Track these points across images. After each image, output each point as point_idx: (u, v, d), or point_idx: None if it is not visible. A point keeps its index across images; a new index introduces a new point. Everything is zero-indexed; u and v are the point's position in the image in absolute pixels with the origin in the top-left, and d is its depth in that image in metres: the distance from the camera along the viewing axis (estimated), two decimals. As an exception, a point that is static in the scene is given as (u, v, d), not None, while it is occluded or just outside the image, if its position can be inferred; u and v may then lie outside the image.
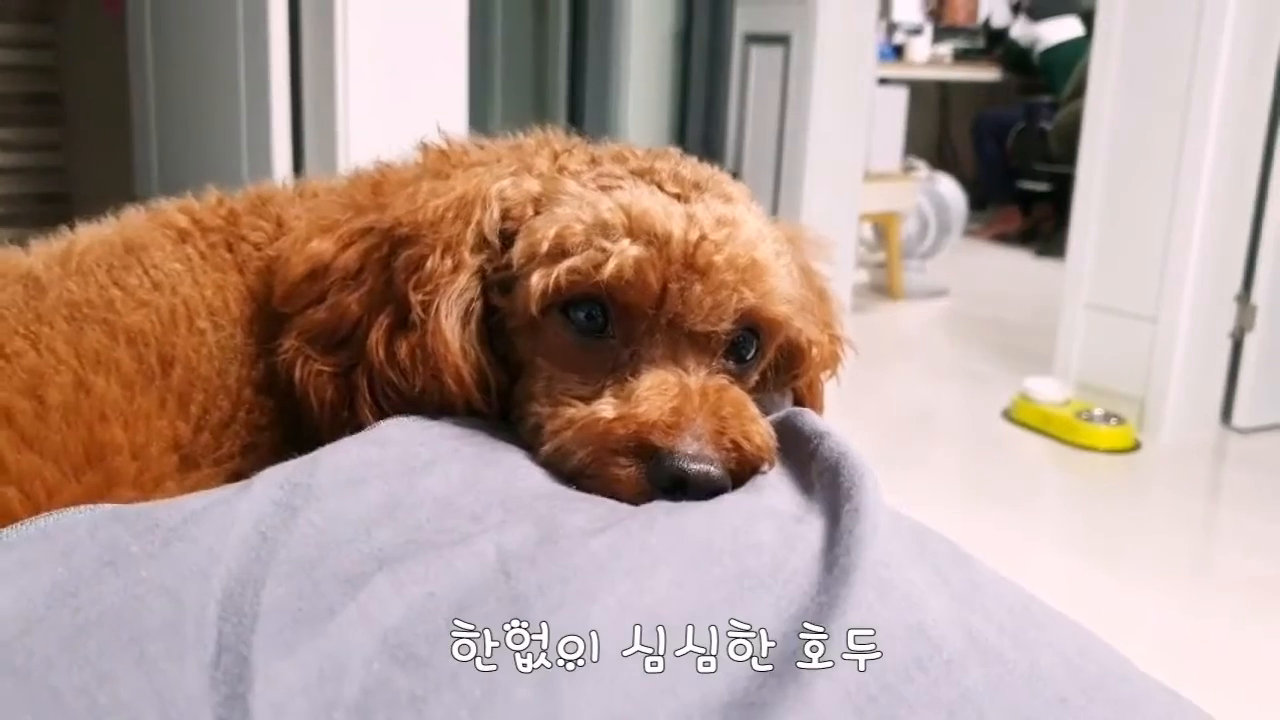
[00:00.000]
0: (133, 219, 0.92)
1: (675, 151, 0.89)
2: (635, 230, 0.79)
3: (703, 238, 0.79)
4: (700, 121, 5.07)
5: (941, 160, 7.63)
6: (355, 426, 0.79)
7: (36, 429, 0.75)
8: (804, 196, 4.63)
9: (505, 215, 0.83)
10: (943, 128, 8.44)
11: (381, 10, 3.03)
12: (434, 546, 0.58)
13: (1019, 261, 6.86)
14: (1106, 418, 3.60)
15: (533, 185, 0.84)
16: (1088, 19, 6.78)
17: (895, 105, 5.36)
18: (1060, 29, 7.11)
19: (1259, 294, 3.66)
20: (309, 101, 3.22)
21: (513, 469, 0.72)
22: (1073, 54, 6.74)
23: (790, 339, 0.88)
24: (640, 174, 0.84)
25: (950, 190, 5.71)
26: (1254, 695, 2.19)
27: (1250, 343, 3.71)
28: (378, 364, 0.80)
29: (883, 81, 5.58)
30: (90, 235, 0.90)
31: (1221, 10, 3.41)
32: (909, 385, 4.35)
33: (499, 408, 0.84)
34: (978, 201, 7.00)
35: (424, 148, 0.94)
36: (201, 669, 0.50)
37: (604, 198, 0.81)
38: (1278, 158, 3.58)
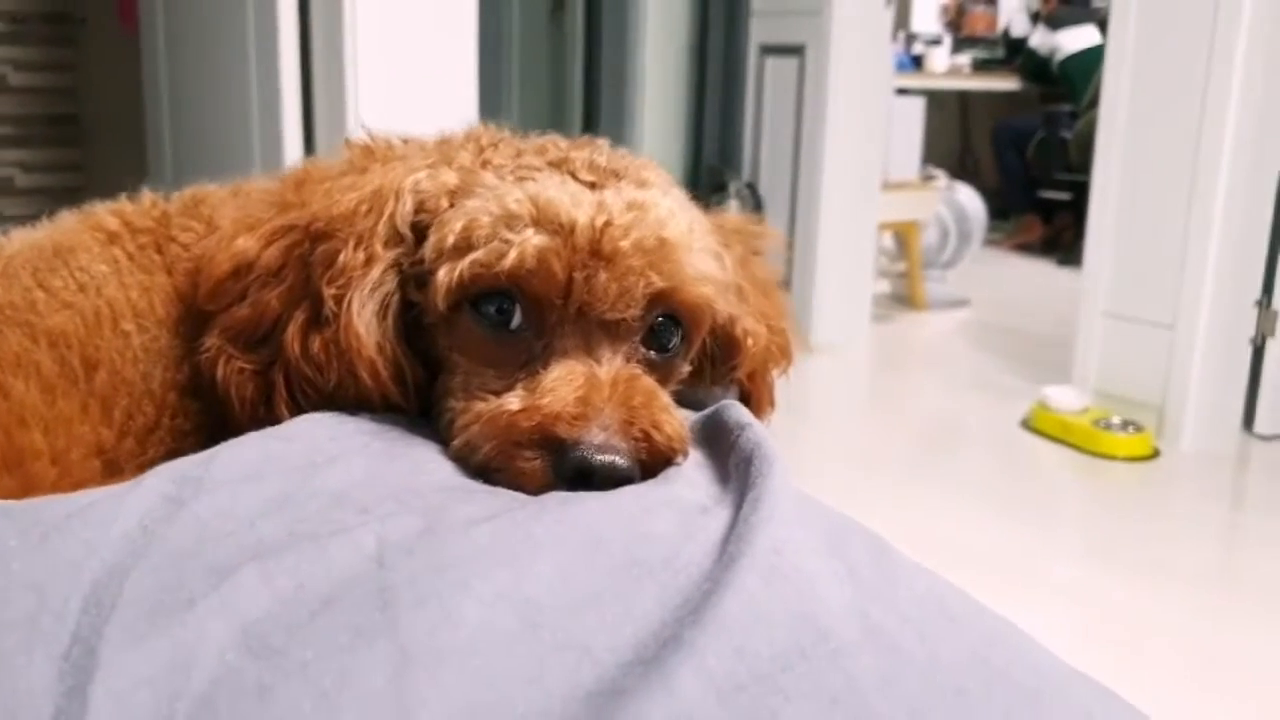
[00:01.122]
0: (65, 222, 0.92)
1: (602, 141, 0.88)
2: (541, 220, 0.78)
3: (609, 223, 0.78)
4: (716, 132, 5.07)
5: (962, 170, 7.60)
6: (273, 424, 0.78)
7: None
8: (821, 206, 4.62)
9: (420, 208, 0.82)
10: (963, 137, 8.41)
11: (391, 19, 3.04)
12: (314, 538, 0.57)
13: (1041, 271, 6.81)
14: (1125, 426, 3.57)
15: (449, 178, 0.82)
16: (1106, 27, 6.74)
17: (913, 115, 5.33)
18: (1079, 38, 7.07)
19: (1279, 300, 3.62)
20: (320, 113, 3.23)
21: (419, 463, 0.71)
22: (1092, 62, 6.69)
23: (720, 327, 0.87)
24: (557, 164, 0.82)
25: (970, 199, 5.67)
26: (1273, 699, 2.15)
27: (1271, 348, 3.66)
28: (294, 359, 0.79)
29: (902, 91, 5.56)
30: (21, 239, 0.89)
31: (1236, 13, 3.38)
32: (929, 395, 4.32)
33: (418, 403, 0.82)
34: (999, 211, 6.96)
35: (349, 144, 0.93)
36: (51, 661, 0.48)
37: (514, 189, 0.79)
38: (1294, 161, 3.54)
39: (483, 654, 0.49)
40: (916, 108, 5.37)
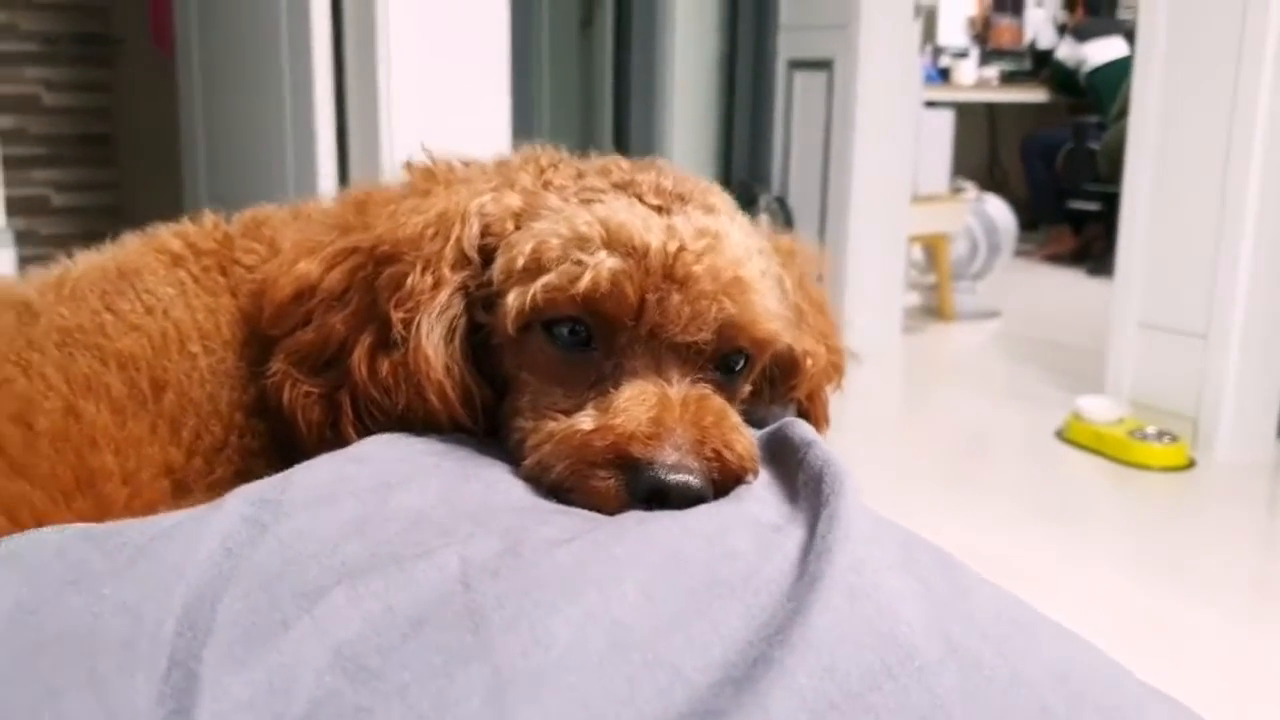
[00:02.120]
0: (129, 244, 0.93)
1: (663, 163, 0.88)
2: (612, 243, 0.78)
3: (681, 249, 0.78)
4: (746, 147, 5.08)
5: (991, 182, 7.59)
6: (340, 445, 0.78)
7: (25, 456, 0.75)
8: (850, 219, 4.62)
9: (485, 231, 0.82)
10: (991, 149, 8.40)
11: (425, 42, 3.06)
12: (397, 560, 0.57)
13: (1071, 281, 6.79)
14: (1160, 436, 3.55)
15: (514, 201, 0.83)
16: (1133, 38, 6.73)
17: (942, 127, 5.33)
18: (1106, 49, 7.07)
19: (1314, 307, 3.60)
20: (354, 134, 3.25)
21: (492, 484, 0.72)
22: (1119, 73, 6.68)
23: (781, 351, 0.87)
24: (622, 186, 0.83)
25: (999, 211, 5.67)
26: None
27: (1306, 357, 3.65)
28: (361, 383, 0.80)
29: (930, 104, 5.56)
30: (86, 262, 0.91)
31: (1264, 21, 3.37)
32: (962, 406, 4.31)
33: (486, 424, 0.83)
34: (1028, 222, 6.96)
35: (409, 167, 0.93)
36: (151, 684, 0.49)
37: (582, 211, 0.80)
38: (1326, 168, 3.53)
39: (575, 675, 0.50)
40: (945, 120, 5.36)
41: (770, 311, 0.82)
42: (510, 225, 0.82)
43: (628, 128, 5.20)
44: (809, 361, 0.90)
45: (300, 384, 0.81)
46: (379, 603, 0.54)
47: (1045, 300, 6.30)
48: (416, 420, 0.80)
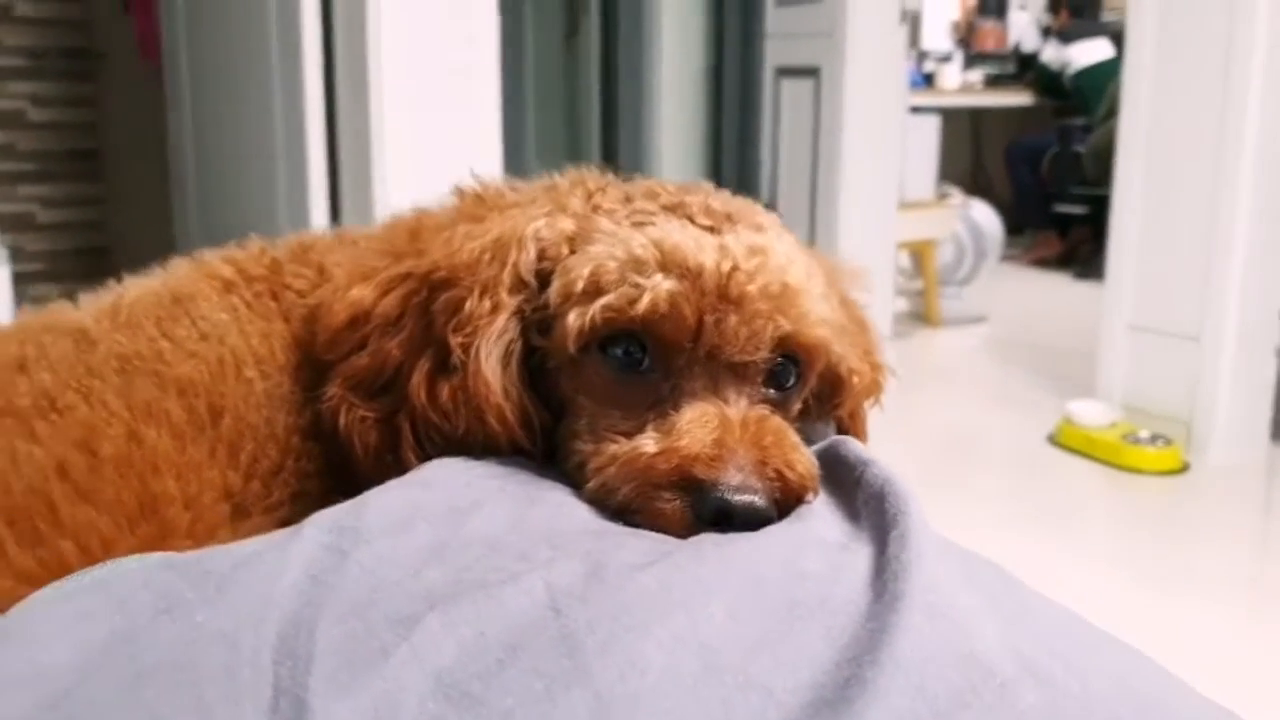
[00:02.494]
0: (179, 270, 0.94)
1: (707, 185, 0.90)
2: (668, 264, 0.79)
3: (735, 268, 0.79)
4: (734, 155, 5.11)
5: (976, 186, 7.63)
6: (400, 470, 0.79)
7: (91, 482, 0.76)
8: (839, 226, 4.65)
9: (541, 255, 0.84)
10: (976, 154, 8.44)
11: (415, 59, 3.06)
12: (483, 586, 0.59)
13: (1058, 285, 6.83)
14: (1153, 439, 3.58)
15: (567, 225, 0.84)
16: (1118, 40, 6.78)
17: (928, 133, 5.37)
18: (1091, 51, 7.12)
19: (1304, 308, 3.64)
20: (345, 148, 3.25)
21: (558, 507, 0.73)
22: (1104, 75, 6.74)
23: (830, 367, 0.88)
24: (672, 209, 0.84)
25: (985, 216, 5.70)
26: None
27: (1297, 358, 3.68)
28: (420, 407, 0.81)
29: (915, 110, 5.59)
30: (137, 288, 0.91)
31: (1252, 21, 3.41)
32: (952, 411, 4.33)
33: (544, 447, 0.84)
34: (1014, 227, 6.99)
35: (459, 192, 0.95)
36: (259, 713, 0.50)
37: (636, 234, 0.81)
38: (1315, 170, 3.56)
39: (672, 698, 0.51)
40: (931, 126, 5.40)
41: (822, 321, 0.83)
42: (565, 249, 0.83)
43: (616, 137, 5.22)
44: (855, 379, 0.91)
45: (356, 408, 0.82)
46: (472, 629, 0.55)
47: (1033, 304, 6.33)
48: (476, 444, 0.81)
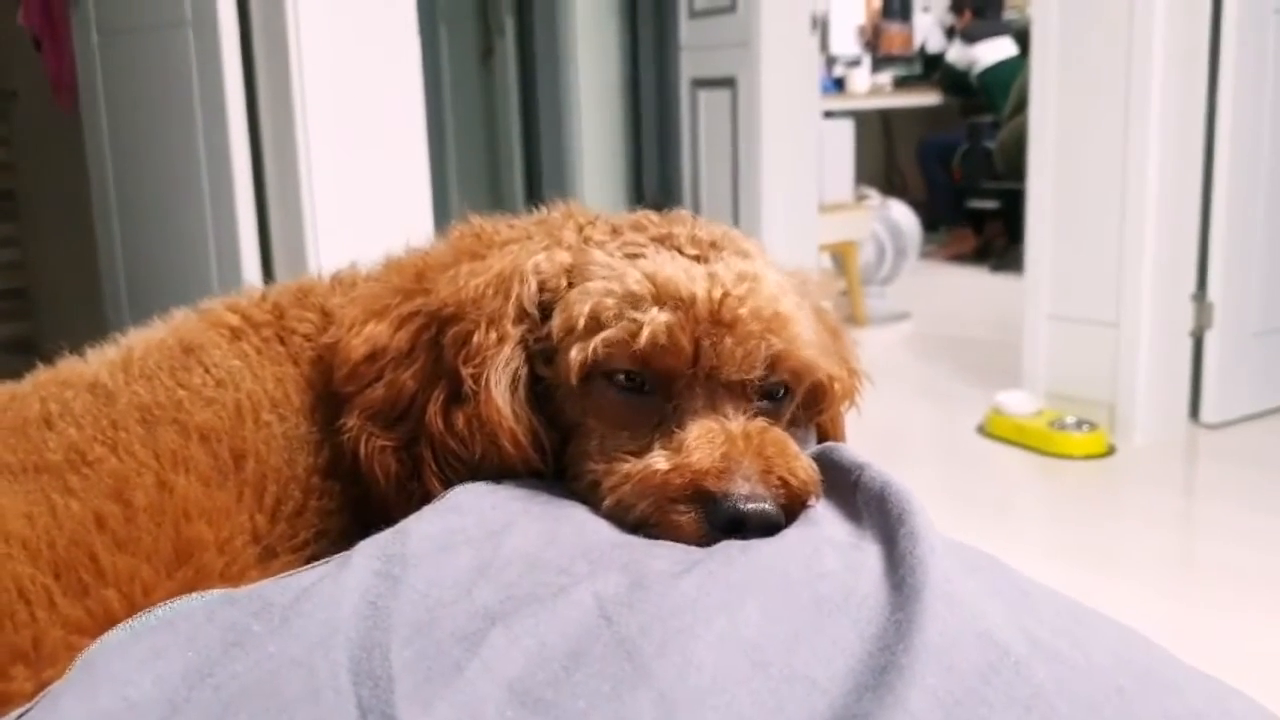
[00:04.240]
0: (182, 321, 0.97)
1: (688, 214, 0.95)
2: (662, 297, 0.84)
3: (726, 294, 0.85)
4: (655, 167, 5.16)
5: (890, 186, 7.76)
6: (423, 495, 0.84)
7: (128, 531, 0.80)
8: (762, 232, 4.70)
9: (542, 287, 0.89)
10: (889, 155, 8.58)
11: (340, 101, 3.09)
12: (535, 600, 0.63)
13: (976, 280, 6.97)
14: (1079, 425, 3.67)
15: (564, 258, 0.89)
16: (1020, 38, 6.95)
17: (843, 136, 5.46)
18: (995, 50, 7.28)
19: (1214, 292, 3.75)
20: (272, 193, 3.26)
21: (582, 524, 0.78)
22: (1009, 73, 6.91)
23: (813, 379, 0.94)
24: (660, 240, 0.89)
25: (903, 215, 5.81)
26: (1242, 680, 2.24)
27: (1210, 340, 3.80)
28: (438, 435, 0.85)
29: (828, 114, 5.68)
30: (144, 340, 0.95)
31: (1150, 13, 3.52)
32: (881, 408, 4.36)
33: (553, 467, 0.89)
34: (929, 224, 7.12)
35: (459, 229, 0.99)
36: (351, 731, 0.54)
37: (630, 269, 0.86)
38: (1218, 157, 3.67)
39: (729, 692, 0.56)
40: (846, 129, 5.50)
41: (809, 342, 0.89)
42: (563, 281, 0.88)
43: (537, 154, 5.26)
44: (836, 386, 0.97)
45: (375, 437, 0.86)
46: (534, 640, 0.59)
47: (953, 300, 6.45)
48: (491, 466, 0.85)
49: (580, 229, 0.94)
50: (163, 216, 3.66)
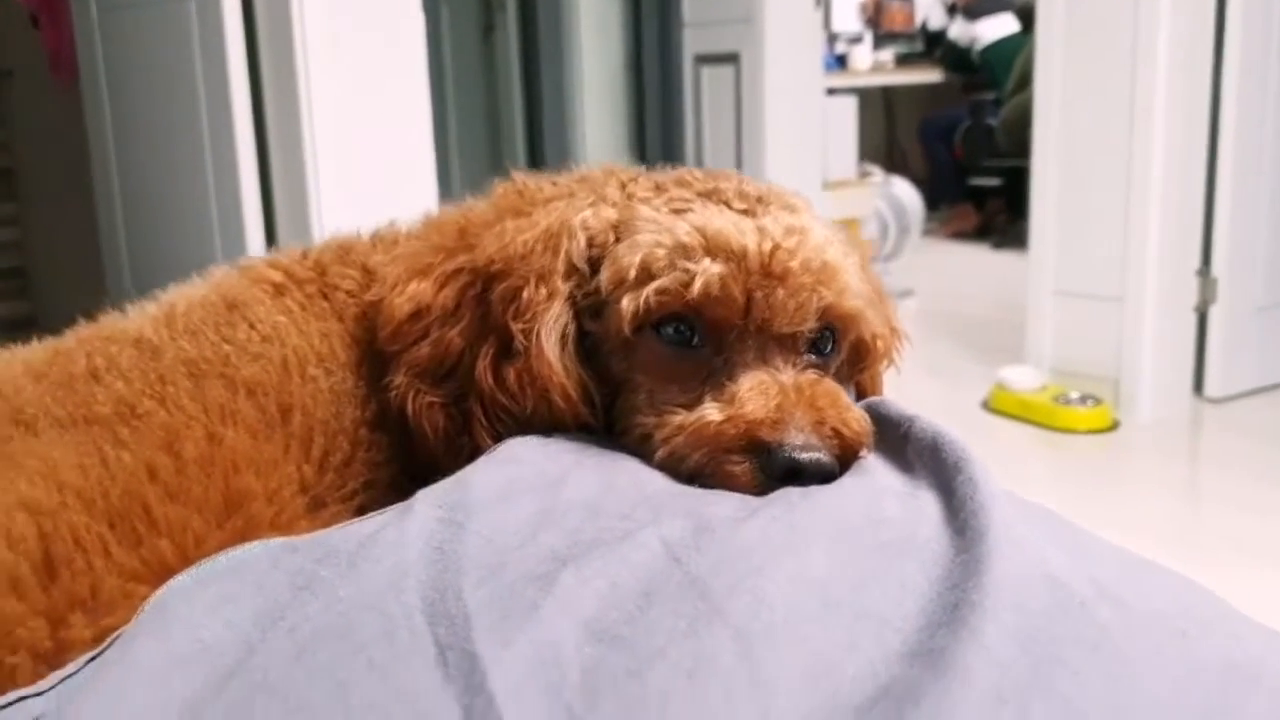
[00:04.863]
0: (224, 278, 0.98)
1: (732, 171, 0.95)
2: (713, 249, 0.85)
3: (776, 247, 0.85)
4: (658, 144, 5.15)
5: (891, 164, 7.75)
6: (472, 450, 0.84)
7: (179, 482, 0.80)
8: (766, 209, 4.68)
9: (590, 243, 0.89)
10: (890, 132, 8.57)
11: (344, 74, 3.08)
12: (601, 543, 0.64)
13: (978, 257, 6.97)
14: (1084, 400, 3.68)
15: (610, 213, 0.90)
16: (1022, 15, 6.94)
17: (846, 114, 5.46)
18: (997, 26, 7.26)
19: (1218, 267, 3.75)
20: (276, 167, 3.25)
21: (637, 473, 0.78)
22: (1011, 50, 6.90)
23: (859, 334, 0.94)
24: (707, 195, 0.90)
25: (906, 192, 5.81)
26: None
27: (1214, 315, 3.80)
28: (488, 390, 0.86)
29: (830, 91, 5.68)
30: (186, 297, 0.95)
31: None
32: (888, 385, 4.40)
33: (602, 422, 0.89)
34: (930, 201, 7.11)
35: (501, 188, 0.99)
36: (429, 667, 0.55)
37: (679, 221, 0.86)
38: (1223, 133, 3.67)
39: (801, 629, 0.56)
40: (849, 107, 5.49)
41: (858, 293, 0.90)
42: (611, 236, 0.88)
43: (540, 131, 5.25)
44: (879, 344, 0.97)
45: (423, 394, 0.87)
46: (604, 581, 0.60)
47: (955, 277, 6.46)
48: (541, 421, 0.86)
49: (623, 185, 0.94)
50: (165, 192, 3.65)
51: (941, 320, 5.27)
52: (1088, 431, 3.62)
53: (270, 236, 3.29)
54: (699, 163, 4.99)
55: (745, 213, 0.88)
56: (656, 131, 5.16)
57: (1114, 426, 3.66)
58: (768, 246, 0.85)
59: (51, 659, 0.71)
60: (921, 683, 0.53)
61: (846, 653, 0.55)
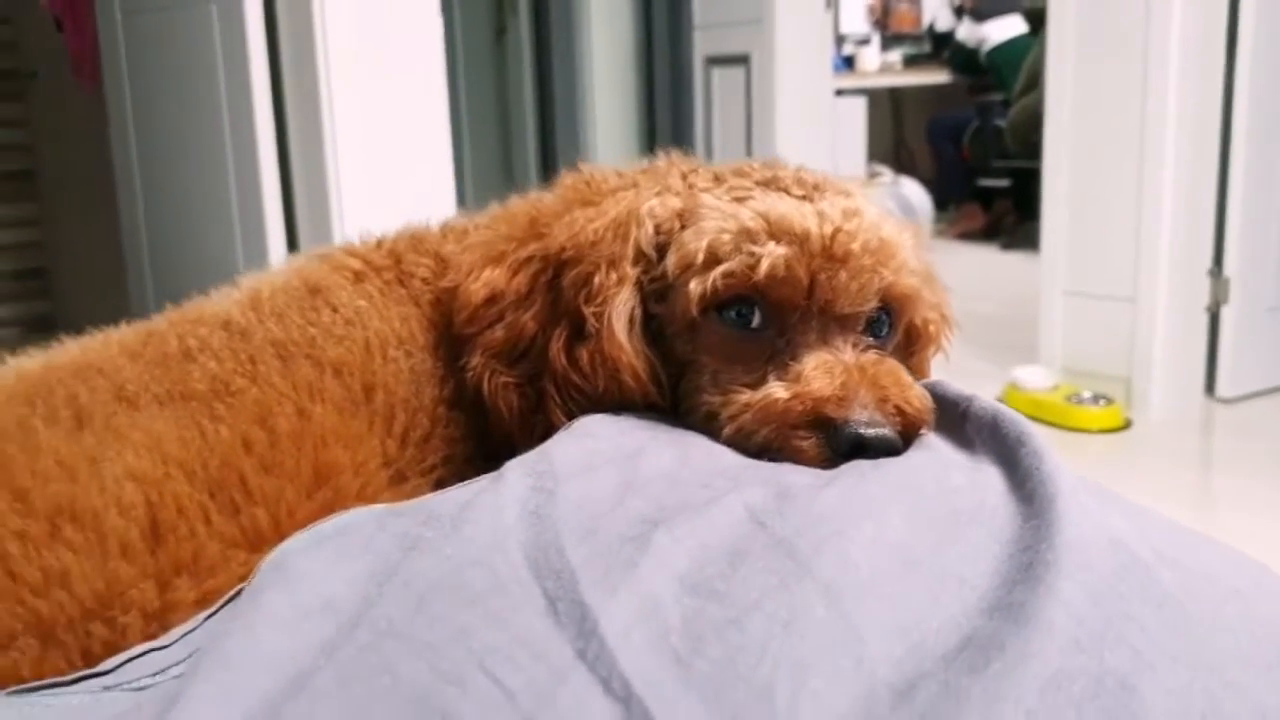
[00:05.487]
0: (305, 265, 1.02)
1: (786, 161, 0.99)
2: (776, 233, 0.89)
3: (837, 230, 0.89)
4: (669, 145, 5.16)
5: (900, 164, 7.80)
6: (545, 427, 0.89)
7: (272, 455, 0.85)
8: (778, 209, 4.72)
9: (656, 230, 0.93)
10: (898, 133, 8.61)
11: (363, 76, 3.12)
12: (687, 508, 0.68)
13: (987, 257, 7.00)
14: (1096, 399, 3.71)
15: (675, 202, 0.94)
16: (1029, 16, 6.98)
17: (855, 114, 5.52)
18: (1004, 28, 7.30)
19: (1230, 267, 3.78)
20: (297, 169, 3.29)
21: (709, 448, 0.82)
22: (1019, 51, 6.93)
23: (912, 317, 0.98)
24: (766, 183, 0.94)
25: (915, 193, 5.87)
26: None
27: (1226, 315, 3.83)
28: (561, 371, 0.90)
29: (839, 92, 5.72)
30: (269, 282, 1.00)
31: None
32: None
33: (669, 401, 0.93)
34: (938, 202, 7.16)
35: (568, 179, 1.04)
36: (541, 616, 0.59)
37: (742, 208, 0.91)
38: (1235, 133, 3.70)
39: (886, 585, 0.60)
40: (859, 107, 5.55)
41: (915, 271, 0.94)
42: (676, 224, 0.93)
43: (552, 132, 5.29)
44: (930, 328, 1.01)
45: (499, 375, 0.91)
46: (695, 541, 0.64)
47: (964, 277, 6.47)
48: (612, 400, 0.90)
49: (684, 176, 0.98)
50: (187, 194, 3.69)
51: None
52: (1100, 431, 3.66)
53: (291, 238, 3.33)
54: (709, 162, 5.02)
55: (803, 198, 0.92)
56: (667, 132, 5.20)
57: (1126, 426, 3.69)
58: (829, 230, 0.89)
59: (159, 618, 0.76)
60: (1003, 632, 0.57)
61: (930, 607, 0.59)
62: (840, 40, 7.38)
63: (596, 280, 0.90)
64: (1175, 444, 3.61)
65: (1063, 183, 3.94)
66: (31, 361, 0.93)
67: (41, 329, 5.23)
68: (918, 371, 1.05)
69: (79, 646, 0.75)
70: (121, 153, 3.99)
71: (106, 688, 0.65)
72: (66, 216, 5.21)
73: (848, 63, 7.45)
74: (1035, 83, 5.94)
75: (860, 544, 0.63)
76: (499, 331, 0.92)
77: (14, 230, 5.44)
